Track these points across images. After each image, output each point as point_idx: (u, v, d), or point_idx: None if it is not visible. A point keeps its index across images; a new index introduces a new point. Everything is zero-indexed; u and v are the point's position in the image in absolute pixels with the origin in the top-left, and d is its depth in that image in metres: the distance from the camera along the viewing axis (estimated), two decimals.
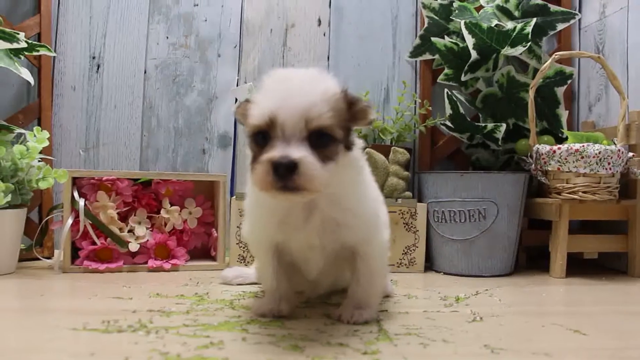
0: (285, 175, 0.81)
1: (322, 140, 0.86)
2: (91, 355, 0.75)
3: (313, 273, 1.05)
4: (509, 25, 1.66)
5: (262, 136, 0.85)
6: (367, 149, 1.57)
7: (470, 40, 1.64)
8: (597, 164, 1.49)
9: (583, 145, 1.49)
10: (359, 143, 0.98)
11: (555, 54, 1.59)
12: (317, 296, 1.19)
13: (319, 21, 1.87)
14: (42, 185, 1.41)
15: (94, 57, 1.79)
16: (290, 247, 1.01)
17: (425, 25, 1.83)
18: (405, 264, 1.59)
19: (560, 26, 1.73)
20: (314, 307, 1.11)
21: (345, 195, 0.95)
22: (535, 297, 1.32)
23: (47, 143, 1.42)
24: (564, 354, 0.83)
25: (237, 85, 1.81)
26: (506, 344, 0.87)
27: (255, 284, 1.33)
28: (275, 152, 0.82)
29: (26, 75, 1.46)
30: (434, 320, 1.02)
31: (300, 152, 0.82)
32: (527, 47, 1.62)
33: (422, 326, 0.98)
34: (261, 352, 0.79)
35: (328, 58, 1.87)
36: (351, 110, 0.91)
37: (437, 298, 1.24)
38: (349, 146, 0.92)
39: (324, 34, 1.87)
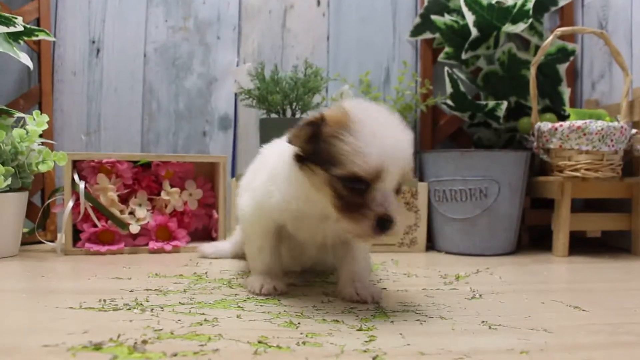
0: (387, 229, 0.83)
1: (401, 188, 0.89)
2: (85, 333, 0.75)
3: (306, 255, 1.08)
4: (510, 1, 1.64)
5: (360, 183, 0.83)
6: None
7: (470, 18, 1.62)
8: (599, 140, 1.47)
9: (585, 122, 1.48)
10: None
11: (558, 30, 1.57)
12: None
13: (318, 2, 1.86)
14: (42, 168, 1.41)
15: (93, 42, 1.78)
16: (296, 234, 1.02)
17: (425, 3, 1.81)
18: (407, 244, 1.59)
19: (562, 2, 1.72)
20: (312, 286, 1.11)
21: None
22: (537, 275, 1.31)
23: (46, 126, 1.42)
24: (563, 330, 0.82)
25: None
26: (504, 321, 0.87)
27: (230, 258, 1.41)
28: (380, 207, 0.83)
29: (25, 59, 1.46)
30: (432, 298, 1.02)
31: (397, 209, 0.84)
32: (528, 23, 1.60)
33: (420, 303, 0.98)
34: (255, 328, 0.79)
35: (328, 39, 1.86)
36: None
37: (437, 277, 1.24)
38: None
39: (323, 15, 1.86)
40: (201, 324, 0.80)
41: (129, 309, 0.88)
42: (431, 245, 1.65)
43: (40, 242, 1.56)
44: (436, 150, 1.63)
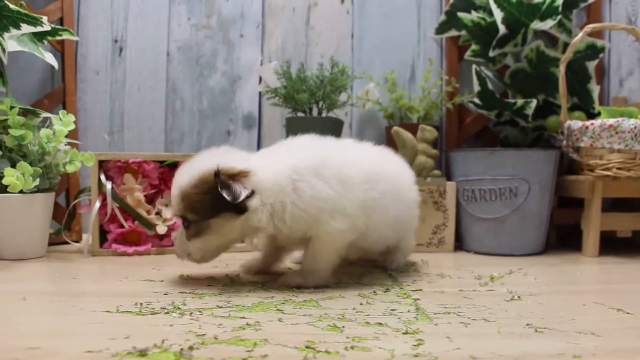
0: None
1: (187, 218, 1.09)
2: (126, 338, 0.73)
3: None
4: None
5: None
6: (395, 128, 1.54)
7: (498, 14, 1.60)
8: (632, 139, 1.45)
9: (617, 120, 1.45)
10: None
11: (587, 26, 1.55)
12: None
13: None
14: (69, 168, 1.40)
15: (116, 41, 1.78)
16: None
17: (451, 0, 1.79)
18: (435, 244, 1.57)
19: None
20: (347, 287, 1.09)
21: None
22: (570, 275, 1.29)
23: (73, 126, 1.41)
24: (611, 333, 0.80)
25: (261, 65, 1.79)
26: (548, 323, 0.85)
27: None
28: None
29: (50, 59, 1.45)
30: (471, 299, 1.00)
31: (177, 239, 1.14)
32: (557, 20, 1.58)
33: (460, 305, 0.96)
34: (299, 332, 0.78)
35: (352, 36, 1.84)
36: None
37: (470, 277, 1.22)
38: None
39: (347, 12, 1.84)
40: (244, 329, 0.79)
41: (167, 313, 0.87)
42: (458, 245, 1.63)
43: (65, 243, 1.56)
44: (465, 149, 1.61)
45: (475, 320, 0.87)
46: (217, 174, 0.99)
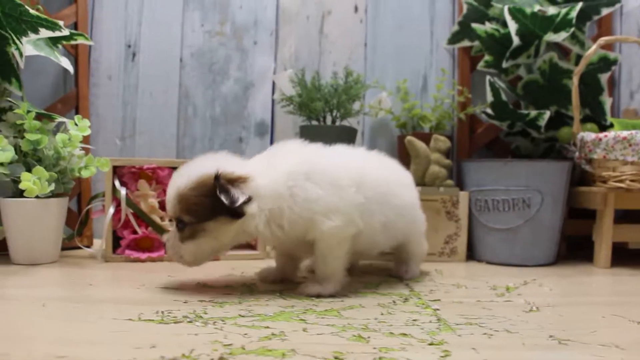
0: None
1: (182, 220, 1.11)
2: (152, 348, 0.73)
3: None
4: (551, 10, 1.62)
5: None
6: (409, 137, 1.54)
7: (513, 26, 1.61)
8: None
9: (631, 133, 1.46)
10: None
11: (601, 39, 1.55)
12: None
13: (356, 8, 1.85)
14: (85, 173, 1.40)
15: (129, 46, 1.78)
16: None
17: (464, 11, 1.79)
18: (447, 253, 1.57)
19: (605, 11, 1.70)
20: (365, 297, 1.09)
21: None
22: (585, 287, 1.30)
23: (89, 131, 1.41)
24: (636, 347, 0.80)
25: (274, 73, 1.80)
26: (571, 335, 0.85)
27: None
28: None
29: (66, 64, 1.46)
30: (490, 310, 1.01)
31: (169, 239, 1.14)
32: (570, 32, 1.58)
33: (480, 316, 0.96)
34: (325, 342, 0.78)
35: (365, 45, 1.85)
36: None
37: (486, 287, 1.22)
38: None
39: (361, 21, 1.85)
40: (270, 338, 0.79)
41: (190, 322, 0.87)
42: (469, 254, 1.63)
43: (76, 248, 1.55)
44: (478, 160, 1.61)
45: (497, 331, 0.87)
46: (217, 177, 1.01)
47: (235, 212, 1.02)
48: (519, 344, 0.81)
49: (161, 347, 0.73)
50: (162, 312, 0.92)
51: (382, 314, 0.95)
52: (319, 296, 1.07)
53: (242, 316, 0.91)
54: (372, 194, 1.11)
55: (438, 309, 1.00)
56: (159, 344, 0.75)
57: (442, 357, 0.73)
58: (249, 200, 1.02)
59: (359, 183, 1.09)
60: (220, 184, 1.01)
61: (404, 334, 0.83)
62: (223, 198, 0.99)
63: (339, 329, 0.85)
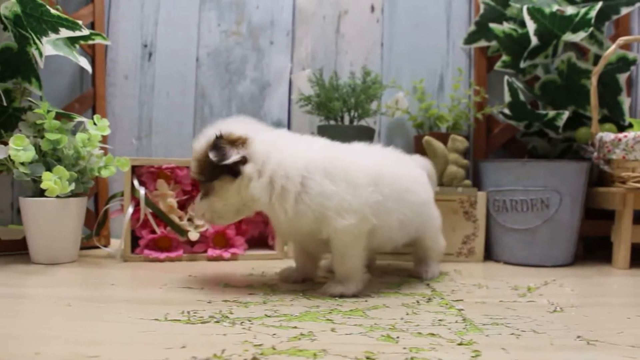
0: None
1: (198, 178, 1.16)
2: (183, 348, 0.73)
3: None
4: (570, 10, 1.61)
5: None
6: (426, 137, 1.54)
7: (531, 26, 1.60)
8: None
9: None
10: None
11: (620, 39, 1.54)
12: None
13: (372, 8, 1.84)
14: (104, 173, 1.40)
15: (145, 46, 1.78)
16: None
17: (481, 11, 1.79)
18: (465, 253, 1.57)
19: (624, 10, 1.68)
20: (388, 297, 1.09)
21: None
22: (606, 288, 1.29)
23: (108, 131, 1.42)
24: None
25: (291, 73, 1.80)
26: (598, 336, 0.85)
27: None
28: None
29: (84, 64, 1.46)
30: (514, 310, 1.00)
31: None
32: (588, 32, 1.57)
33: (505, 316, 0.96)
34: (355, 343, 0.78)
35: (382, 45, 1.85)
36: None
37: (507, 288, 1.22)
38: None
39: (377, 21, 1.84)
40: (299, 339, 0.78)
41: (217, 322, 0.87)
42: (487, 254, 1.62)
43: (93, 248, 1.56)
44: (496, 160, 1.61)
45: (524, 331, 0.87)
46: (218, 137, 1.04)
47: (235, 172, 1.05)
48: (547, 344, 0.80)
49: (191, 348, 0.73)
50: (188, 312, 0.92)
51: (407, 314, 0.95)
52: (342, 296, 1.07)
53: (269, 316, 0.91)
54: (389, 191, 1.11)
55: (462, 309, 1.00)
56: (188, 345, 0.75)
57: (472, 357, 0.73)
58: (243, 159, 1.04)
59: (376, 182, 1.09)
60: (214, 142, 1.04)
61: (432, 334, 0.83)
62: (211, 155, 1.02)
63: (366, 329, 0.85)
